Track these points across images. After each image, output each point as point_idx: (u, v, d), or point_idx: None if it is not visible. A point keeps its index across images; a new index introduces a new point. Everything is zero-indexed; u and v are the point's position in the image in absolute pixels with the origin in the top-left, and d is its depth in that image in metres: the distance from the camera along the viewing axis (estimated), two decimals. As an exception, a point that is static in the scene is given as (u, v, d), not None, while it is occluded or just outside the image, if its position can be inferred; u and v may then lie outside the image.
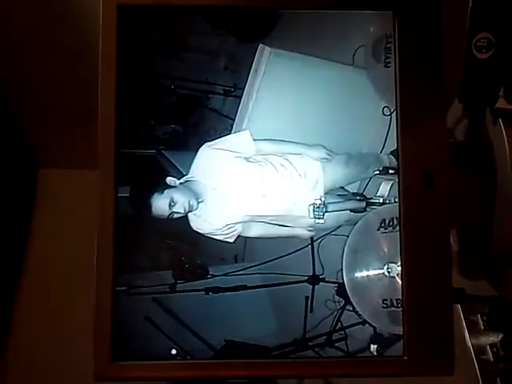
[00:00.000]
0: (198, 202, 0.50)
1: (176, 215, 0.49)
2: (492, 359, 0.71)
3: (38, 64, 0.73)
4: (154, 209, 0.49)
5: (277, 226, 0.50)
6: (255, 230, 0.50)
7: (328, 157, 0.50)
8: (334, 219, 0.50)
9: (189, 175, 0.50)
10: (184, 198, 0.49)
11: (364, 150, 0.51)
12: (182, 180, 0.50)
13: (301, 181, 0.50)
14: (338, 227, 0.50)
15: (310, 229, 0.50)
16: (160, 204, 0.49)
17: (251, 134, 0.50)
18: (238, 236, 0.50)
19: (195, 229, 0.49)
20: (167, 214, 0.49)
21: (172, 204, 0.49)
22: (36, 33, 0.70)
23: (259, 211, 0.50)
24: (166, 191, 0.49)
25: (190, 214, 0.49)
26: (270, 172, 0.50)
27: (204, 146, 0.50)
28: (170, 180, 0.50)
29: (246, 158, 0.50)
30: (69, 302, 0.72)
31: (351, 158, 0.51)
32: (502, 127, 0.51)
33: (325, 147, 0.50)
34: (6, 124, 0.76)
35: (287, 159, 0.51)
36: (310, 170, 0.50)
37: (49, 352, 0.71)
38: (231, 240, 0.50)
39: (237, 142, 0.50)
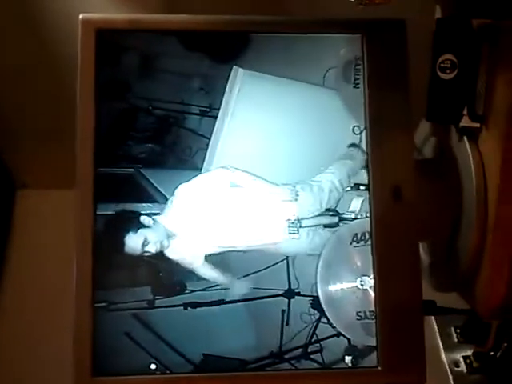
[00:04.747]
0: (170, 239, 0.50)
1: (147, 254, 0.49)
2: (466, 371, 0.72)
3: (14, 85, 0.74)
4: (126, 247, 0.49)
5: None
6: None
7: (296, 196, 0.51)
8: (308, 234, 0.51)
9: (163, 212, 0.50)
10: (157, 238, 0.49)
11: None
12: (157, 218, 0.50)
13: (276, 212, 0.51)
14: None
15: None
16: (133, 243, 0.49)
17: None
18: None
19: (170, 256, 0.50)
20: (139, 252, 0.49)
21: (145, 244, 0.49)
22: (12, 54, 0.71)
23: (235, 243, 0.51)
24: (140, 230, 0.49)
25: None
26: (244, 202, 0.51)
27: (180, 187, 0.50)
28: (143, 219, 0.50)
29: (223, 192, 0.51)
30: (47, 321, 0.72)
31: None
32: (467, 144, 0.52)
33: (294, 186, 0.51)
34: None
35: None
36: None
37: (28, 370, 0.70)
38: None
39: (211, 179, 0.51)
